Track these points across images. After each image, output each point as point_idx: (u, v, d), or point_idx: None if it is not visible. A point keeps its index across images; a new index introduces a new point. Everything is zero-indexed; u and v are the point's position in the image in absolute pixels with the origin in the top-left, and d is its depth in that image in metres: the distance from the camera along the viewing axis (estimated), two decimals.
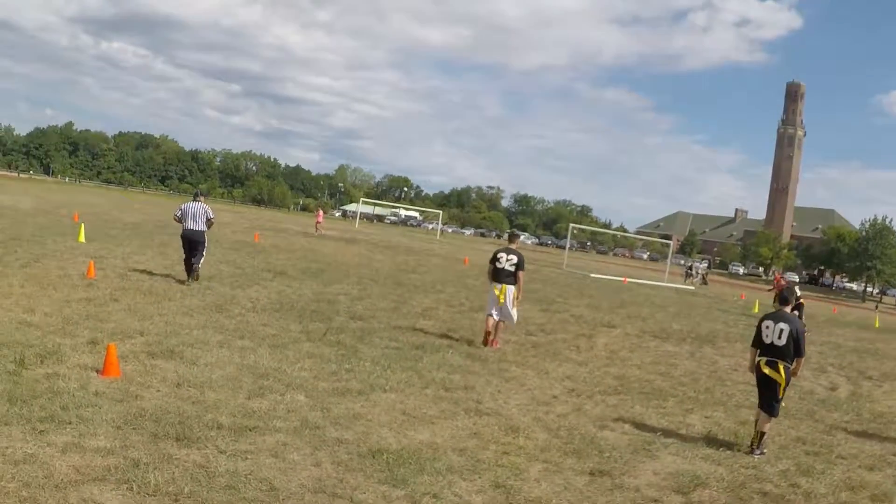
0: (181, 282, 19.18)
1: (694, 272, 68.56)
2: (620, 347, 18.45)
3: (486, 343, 15.58)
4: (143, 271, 20.22)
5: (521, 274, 15.44)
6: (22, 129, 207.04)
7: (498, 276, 15.45)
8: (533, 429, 10.30)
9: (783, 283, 34.74)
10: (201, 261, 19.78)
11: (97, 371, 9.97)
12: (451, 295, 25.13)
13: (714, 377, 16.21)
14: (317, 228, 60.45)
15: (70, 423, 7.97)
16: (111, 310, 14.26)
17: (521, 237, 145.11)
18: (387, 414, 10.03)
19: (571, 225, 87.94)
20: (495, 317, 15.55)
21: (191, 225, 19.55)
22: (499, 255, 15.53)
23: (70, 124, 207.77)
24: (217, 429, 8.45)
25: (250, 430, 8.56)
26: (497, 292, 15.37)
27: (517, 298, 15.59)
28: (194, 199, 20.24)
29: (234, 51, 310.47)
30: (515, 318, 15.86)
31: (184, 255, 19.76)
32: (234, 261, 26.35)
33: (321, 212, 63.79)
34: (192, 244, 19.52)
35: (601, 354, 17.00)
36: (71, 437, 7.64)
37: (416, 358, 13.67)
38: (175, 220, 20.16)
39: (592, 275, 52.67)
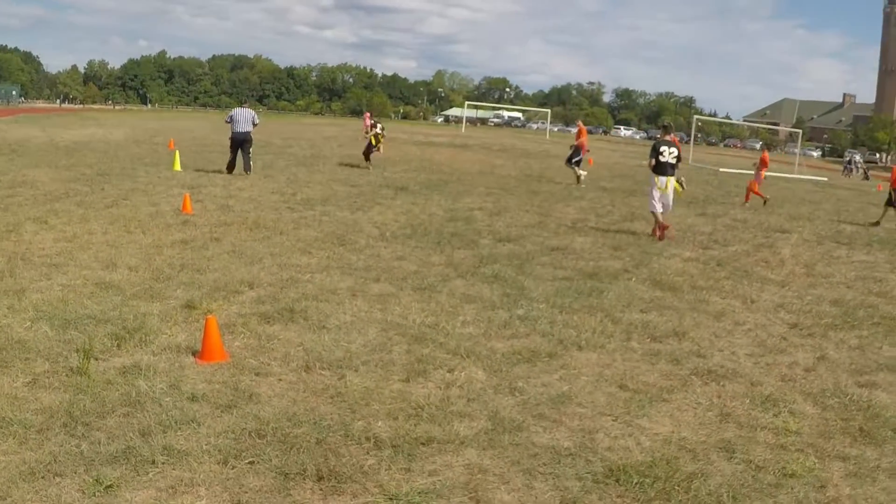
0: (291, 208, 16.35)
1: (853, 166, 63.34)
2: (812, 259, 14.85)
3: (660, 238, 15.29)
4: (247, 199, 17.44)
5: (681, 165, 15.70)
6: (116, 63, 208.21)
7: (662, 169, 15.40)
8: (792, 397, 7.15)
9: None
10: (250, 153, 22.86)
11: (194, 354, 7.10)
12: (592, 201, 21.93)
13: None
14: (366, 133, 51.54)
15: (153, 463, 5.09)
16: (211, 254, 11.44)
17: (624, 131, 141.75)
18: (599, 390, 7.00)
19: (696, 117, 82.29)
20: (659, 209, 15.38)
21: (239, 128, 22.46)
22: (661, 149, 15.43)
23: (163, 53, 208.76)
24: (376, 448, 5.50)
25: (424, 446, 5.58)
26: (661, 185, 15.33)
27: (681, 188, 15.94)
28: (241, 106, 23.51)
29: None
30: (670, 207, 15.98)
31: (230, 156, 22.83)
32: (346, 178, 23.47)
33: (368, 114, 54.74)
34: (241, 143, 22.50)
35: (798, 271, 13.52)
36: (153, 493, 4.72)
37: (595, 292, 10.61)
38: (226, 122, 23.21)
39: (721, 169, 48.47)
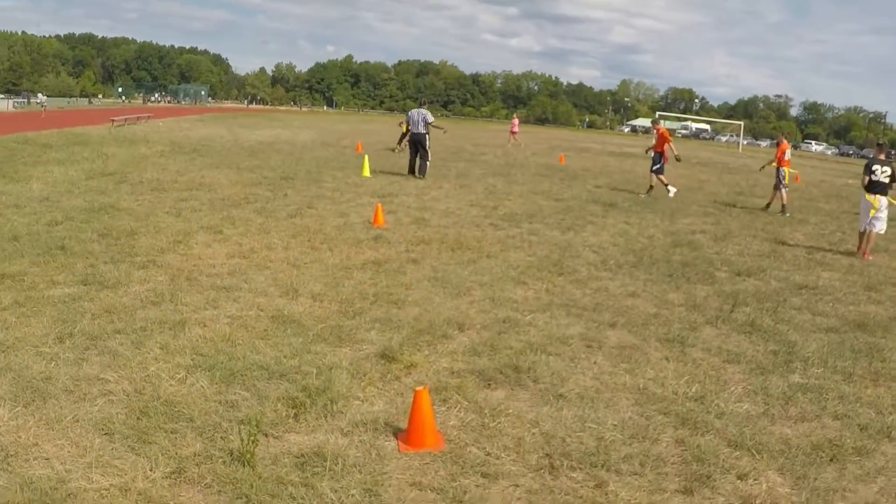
0: (494, 224, 14.38)
1: None
2: None
3: (861, 253, 14.70)
4: (444, 212, 15.55)
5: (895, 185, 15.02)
6: (303, 67, 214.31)
7: (873, 187, 14.91)
8: None
9: None
10: (427, 159, 22.57)
11: (396, 435, 5.15)
12: (818, 226, 19.00)
13: None
14: (511, 139, 47.67)
15: None
16: (409, 280, 9.55)
17: (815, 146, 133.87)
18: None
19: None
20: (869, 228, 14.77)
21: (413, 129, 22.58)
22: (874, 167, 15.00)
23: (350, 57, 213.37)
24: None
25: None
26: (874, 204, 14.73)
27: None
28: (419, 107, 23.10)
29: None
30: (884, 228, 15.11)
31: (410, 158, 23.03)
32: (548, 191, 21.36)
33: (517, 120, 51.16)
34: (416, 144, 22.58)
35: None
36: None
37: (874, 351, 8.19)
38: (400, 125, 24.37)
39: None
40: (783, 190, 21.21)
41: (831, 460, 5.36)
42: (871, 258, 14.55)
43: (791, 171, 22.65)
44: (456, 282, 9.60)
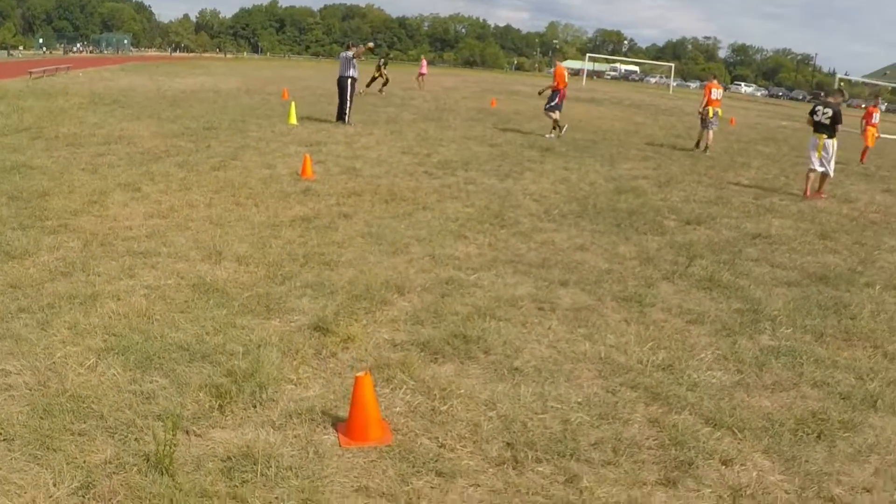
0: (429, 173, 13.76)
1: None
2: None
3: (805, 195, 14.88)
4: (376, 161, 14.82)
5: (838, 127, 15.00)
6: (227, 13, 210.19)
7: (816, 128, 15.12)
8: None
9: None
10: (348, 101, 21.33)
11: (335, 425, 4.55)
12: (761, 170, 18.68)
13: None
14: (419, 83, 45.26)
15: None
16: (341, 237, 8.88)
17: (745, 88, 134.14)
18: None
19: (839, 76, 76.13)
20: (817, 168, 14.97)
21: (338, 72, 21.49)
22: (816, 109, 15.25)
23: (274, 2, 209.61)
24: None
25: None
26: (817, 145, 14.92)
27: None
28: (344, 50, 22.06)
29: None
30: (830, 171, 15.11)
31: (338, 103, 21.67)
32: (482, 136, 20.66)
33: (425, 61, 48.65)
34: (339, 88, 21.43)
35: None
36: None
37: (841, 307, 7.77)
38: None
39: (882, 135, 43.97)
40: (710, 129, 21.13)
41: (818, 437, 4.87)
42: (824, 197, 14.89)
43: (721, 112, 22.34)
44: (392, 238, 8.96)
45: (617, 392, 5.30)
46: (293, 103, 22.38)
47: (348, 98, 21.35)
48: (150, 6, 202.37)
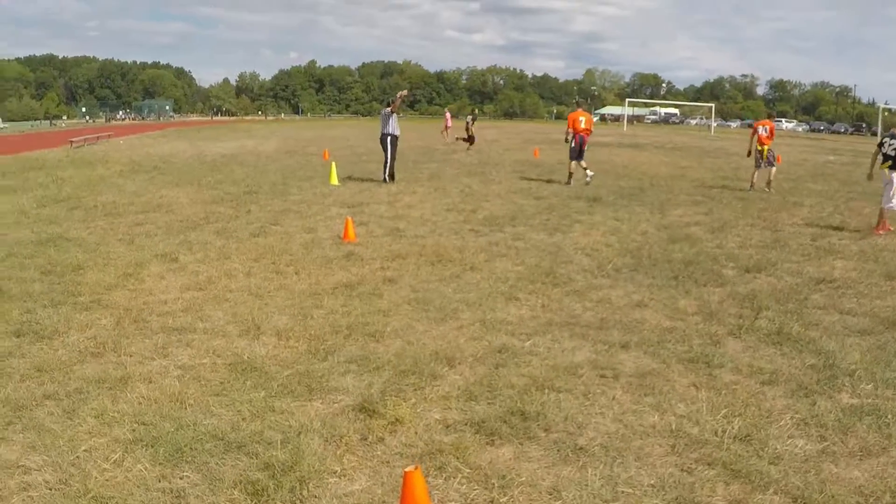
0: (475, 230, 13.34)
1: None
2: None
3: (877, 230, 14.46)
4: (419, 220, 14.45)
5: None
6: (267, 75, 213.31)
7: (885, 160, 14.70)
8: None
9: None
10: (387, 159, 20.89)
11: None
12: (813, 208, 18.10)
13: None
14: (445, 135, 45.22)
15: None
16: (387, 305, 8.45)
17: (786, 124, 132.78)
18: None
19: (882, 106, 75.63)
20: (885, 205, 14.61)
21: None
22: (883, 141, 14.93)
23: (313, 62, 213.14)
24: None
25: None
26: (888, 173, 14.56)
27: None
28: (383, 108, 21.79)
29: None
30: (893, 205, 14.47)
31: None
32: (527, 189, 20.26)
33: (449, 114, 48.73)
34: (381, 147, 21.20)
35: None
36: None
37: None
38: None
39: None
40: (763, 167, 20.77)
41: None
42: (889, 230, 14.55)
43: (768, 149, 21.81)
44: (439, 303, 8.51)
45: (693, 471, 4.78)
46: (333, 163, 22.17)
47: (389, 156, 21.01)
48: (190, 71, 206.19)
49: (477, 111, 42.71)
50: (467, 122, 36.88)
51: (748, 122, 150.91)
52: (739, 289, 9.64)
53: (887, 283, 10.27)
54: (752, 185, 21.44)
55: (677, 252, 11.87)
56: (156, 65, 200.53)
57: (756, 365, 6.79)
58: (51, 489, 4.42)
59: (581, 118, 21.94)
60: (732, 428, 5.38)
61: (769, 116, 22.61)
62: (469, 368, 6.49)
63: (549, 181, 22.50)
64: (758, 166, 21.42)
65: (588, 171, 21.48)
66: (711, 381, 6.36)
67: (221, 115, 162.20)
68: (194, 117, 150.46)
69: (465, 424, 5.34)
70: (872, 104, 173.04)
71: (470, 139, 35.67)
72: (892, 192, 14.46)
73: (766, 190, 20.86)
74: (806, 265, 11.27)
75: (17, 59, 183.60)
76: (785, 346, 7.38)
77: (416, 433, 5.19)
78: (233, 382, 6.07)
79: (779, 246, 12.75)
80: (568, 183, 21.42)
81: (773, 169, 21.33)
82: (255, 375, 6.21)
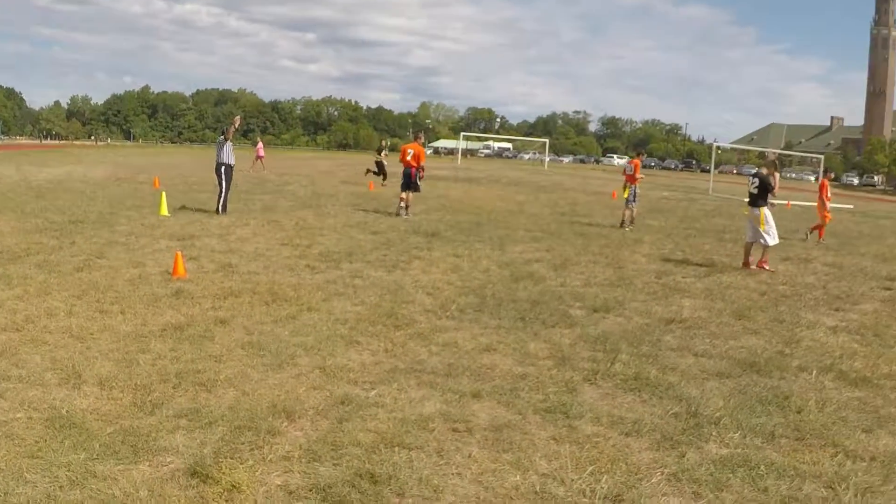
0: (311, 266, 12.91)
1: None
2: None
3: (744, 265, 15.38)
4: (253, 254, 13.89)
5: (768, 196, 15.44)
6: (100, 99, 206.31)
7: (749, 199, 15.56)
8: None
9: None
10: (222, 190, 20.27)
11: None
12: (654, 245, 18.58)
13: None
14: (255, 166, 44.65)
15: None
16: (219, 349, 7.93)
17: (617, 160, 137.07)
18: None
19: (715, 144, 79.22)
20: (748, 238, 15.58)
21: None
22: (749, 180, 15.80)
23: (147, 88, 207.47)
24: None
25: None
26: (748, 215, 15.58)
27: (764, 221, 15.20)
28: (220, 134, 21.34)
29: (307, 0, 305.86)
30: (770, 241, 15.20)
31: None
32: (363, 223, 19.91)
33: (261, 144, 49.58)
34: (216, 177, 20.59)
35: None
36: None
37: (782, 400, 7.23)
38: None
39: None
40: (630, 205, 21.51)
41: None
42: (767, 269, 15.21)
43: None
44: (275, 347, 8.05)
45: None
46: (163, 193, 21.27)
47: (223, 187, 20.41)
48: (21, 92, 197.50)
49: (386, 142, 41.53)
50: (382, 153, 36.06)
51: (580, 157, 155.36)
52: (589, 330, 9.54)
53: (738, 322, 10.42)
54: (622, 223, 21.93)
55: (522, 291, 11.75)
56: None
57: (616, 414, 6.61)
58: None
59: (410, 150, 22.16)
60: (601, 487, 5.14)
61: (638, 155, 23.09)
62: (310, 423, 6.06)
63: (387, 214, 22.22)
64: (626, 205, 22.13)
65: (406, 209, 21.65)
66: (572, 433, 6.12)
67: (51, 139, 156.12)
68: (23, 140, 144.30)
69: (310, 490, 4.92)
70: (702, 142, 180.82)
71: (382, 172, 34.90)
72: (759, 228, 15.12)
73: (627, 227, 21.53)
74: (653, 304, 11.34)
75: None
76: (644, 392, 7.26)
77: (255, 502, 4.74)
78: (50, 442, 5.46)
79: (624, 284, 12.82)
80: (397, 214, 21.35)
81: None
82: (75, 433, 5.62)
